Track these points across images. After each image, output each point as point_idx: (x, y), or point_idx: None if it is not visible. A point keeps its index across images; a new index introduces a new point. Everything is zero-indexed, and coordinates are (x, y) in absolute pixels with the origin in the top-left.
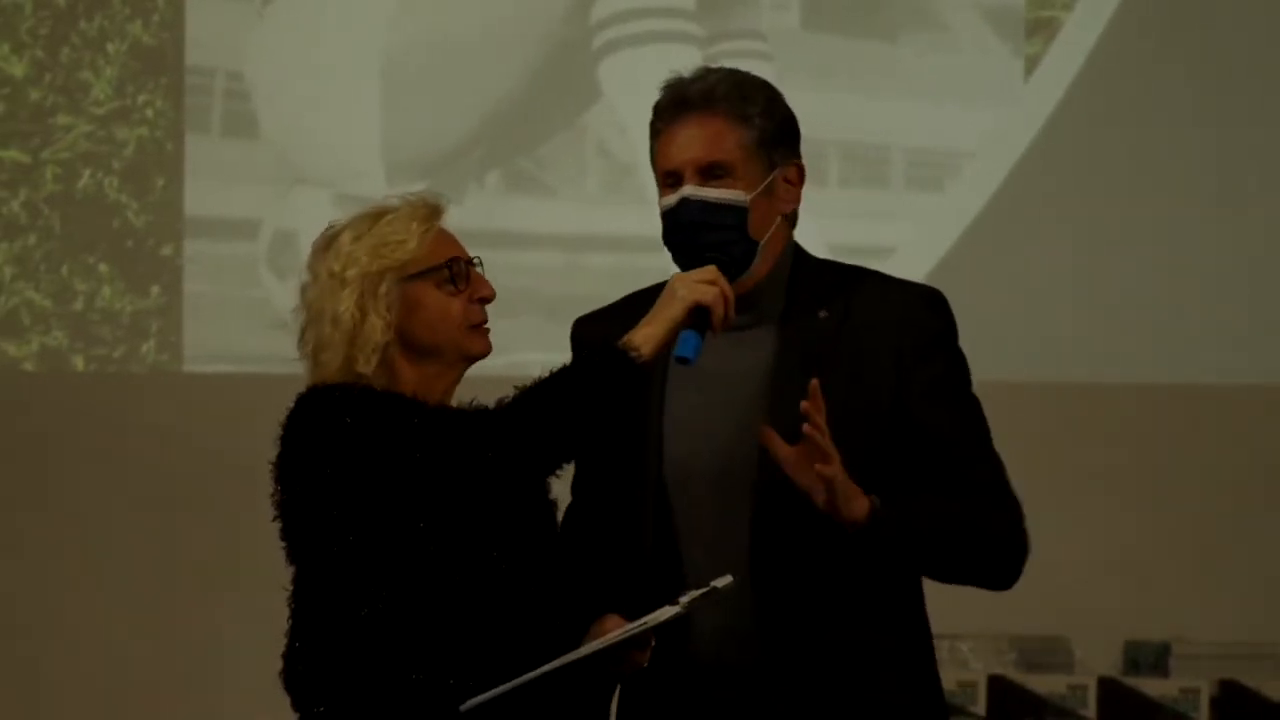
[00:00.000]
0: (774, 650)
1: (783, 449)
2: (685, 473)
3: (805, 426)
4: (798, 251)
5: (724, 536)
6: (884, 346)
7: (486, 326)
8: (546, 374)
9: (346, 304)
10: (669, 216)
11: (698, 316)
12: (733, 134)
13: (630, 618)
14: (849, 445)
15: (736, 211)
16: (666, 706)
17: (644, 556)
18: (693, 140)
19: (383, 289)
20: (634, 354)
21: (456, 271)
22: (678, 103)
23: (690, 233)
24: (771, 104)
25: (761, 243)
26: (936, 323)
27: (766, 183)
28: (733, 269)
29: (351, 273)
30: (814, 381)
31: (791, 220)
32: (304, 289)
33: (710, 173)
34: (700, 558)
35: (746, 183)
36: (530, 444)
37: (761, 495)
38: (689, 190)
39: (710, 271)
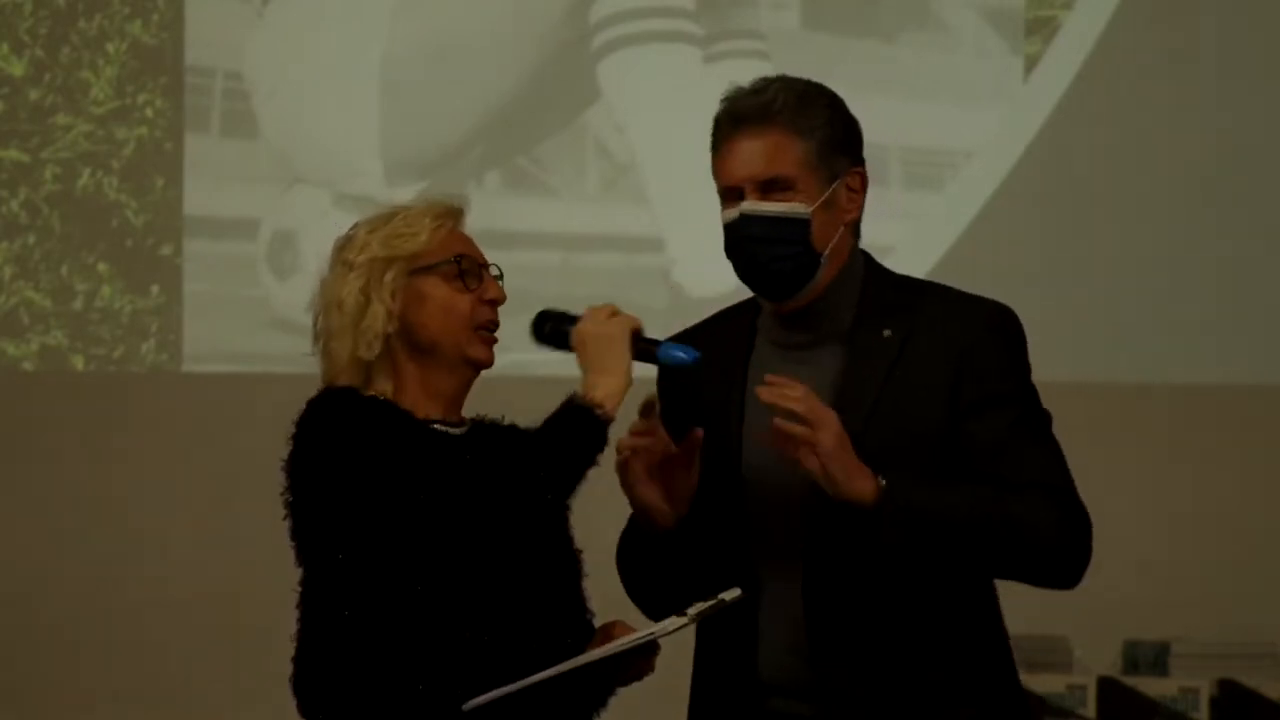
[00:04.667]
0: (825, 665)
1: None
2: (758, 487)
3: (776, 421)
4: (869, 265)
5: (784, 552)
6: (942, 367)
7: (494, 334)
8: (526, 434)
9: (351, 289)
10: (730, 231)
11: (639, 342)
12: (791, 148)
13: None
14: (904, 467)
15: (798, 224)
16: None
17: (719, 566)
18: (752, 155)
19: (389, 277)
20: (599, 411)
21: (466, 268)
22: (735, 117)
23: (751, 247)
24: (832, 113)
25: (825, 253)
26: (997, 343)
27: (828, 194)
28: (793, 282)
29: (361, 259)
30: (767, 378)
31: (855, 230)
32: (321, 283)
33: (770, 187)
34: (765, 571)
35: (807, 195)
36: (507, 506)
37: (812, 514)
38: (748, 205)
39: (607, 308)
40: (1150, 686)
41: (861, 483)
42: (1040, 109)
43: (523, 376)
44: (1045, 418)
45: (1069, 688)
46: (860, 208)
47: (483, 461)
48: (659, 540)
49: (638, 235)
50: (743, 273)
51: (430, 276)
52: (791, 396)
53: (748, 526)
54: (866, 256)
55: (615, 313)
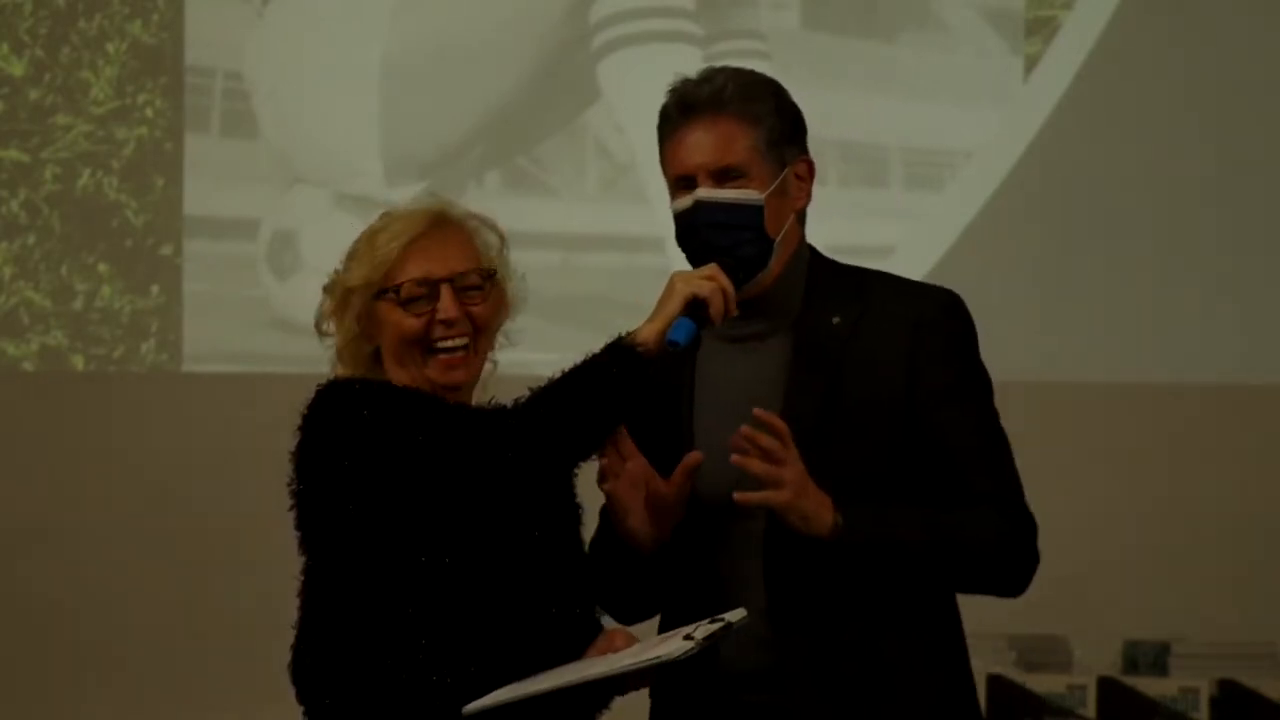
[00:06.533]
0: (789, 657)
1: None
2: (708, 481)
3: (734, 458)
4: (814, 255)
5: (741, 544)
6: (896, 352)
7: (453, 350)
8: (558, 374)
9: (326, 310)
10: (683, 219)
11: (695, 310)
12: (743, 135)
13: (666, 621)
14: (861, 454)
15: (752, 211)
16: (694, 712)
17: (671, 560)
18: (704, 143)
19: (354, 302)
20: (640, 349)
21: (408, 294)
22: (685, 106)
23: (706, 234)
24: (779, 101)
25: (777, 240)
26: (951, 327)
27: (778, 181)
28: (749, 268)
29: (339, 287)
30: (757, 411)
31: (801, 219)
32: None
33: (724, 175)
34: (721, 564)
35: (759, 182)
36: (547, 442)
37: (776, 519)
38: (703, 193)
39: (710, 268)
40: (1150, 686)
41: (819, 522)
42: (1040, 109)
43: (521, 376)
44: (994, 411)
45: (1069, 688)
46: (808, 196)
47: (516, 407)
48: (638, 558)
49: (638, 235)
50: (699, 261)
51: (386, 301)
52: (756, 459)
53: (702, 522)
54: (811, 247)
55: (710, 276)
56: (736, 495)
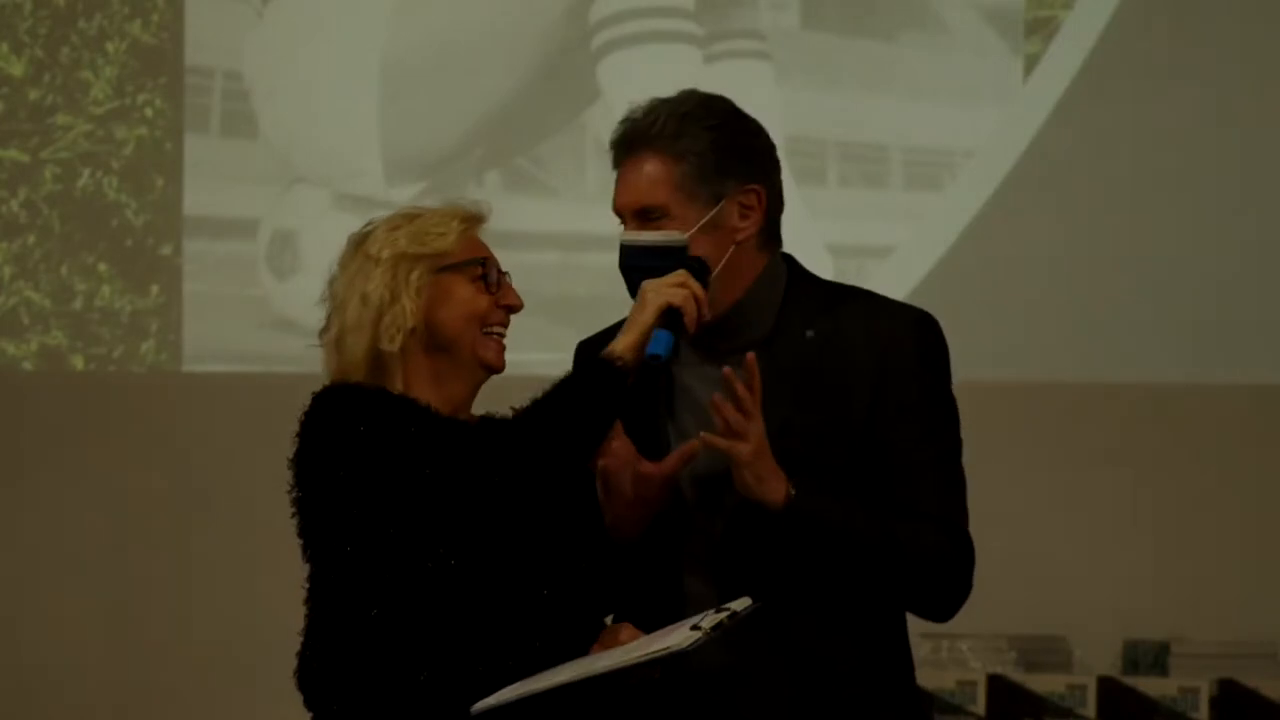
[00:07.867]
0: (741, 655)
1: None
2: (683, 495)
3: (715, 396)
4: (792, 270)
5: (699, 545)
6: (865, 367)
7: (501, 337)
8: (541, 393)
9: (377, 284)
10: (619, 260)
11: (670, 318)
12: (665, 174)
13: (638, 625)
14: (826, 464)
15: (675, 252)
16: (650, 709)
17: (650, 572)
18: (628, 183)
19: (415, 274)
20: (618, 363)
21: (488, 272)
22: (618, 143)
23: (632, 276)
24: (716, 134)
25: (713, 274)
26: (920, 347)
27: (710, 216)
28: (708, 270)
29: (386, 254)
30: (750, 356)
31: (766, 240)
32: (331, 281)
33: (645, 215)
34: (692, 577)
35: (682, 222)
36: (531, 461)
37: (736, 519)
38: (626, 236)
39: (680, 275)
40: (1150, 686)
41: (772, 489)
42: (1040, 109)
43: (521, 376)
44: (956, 439)
45: (1069, 688)
46: (758, 224)
47: (501, 427)
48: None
49: None
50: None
51: (455, 276)
52: (726, 405)
53: (662, 525)
54: (791, 263)
55: (681, 283)
56: (703, 434)
